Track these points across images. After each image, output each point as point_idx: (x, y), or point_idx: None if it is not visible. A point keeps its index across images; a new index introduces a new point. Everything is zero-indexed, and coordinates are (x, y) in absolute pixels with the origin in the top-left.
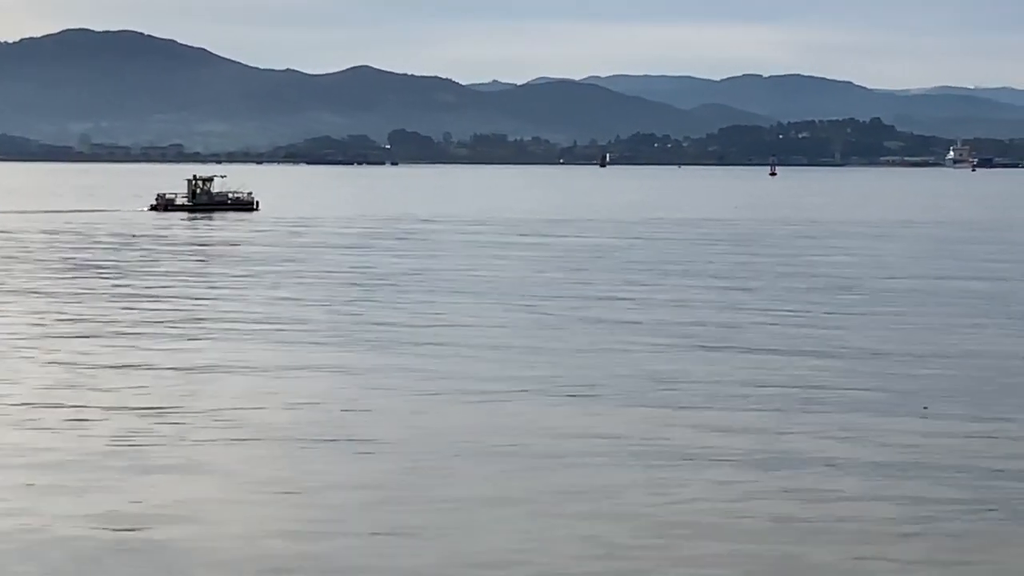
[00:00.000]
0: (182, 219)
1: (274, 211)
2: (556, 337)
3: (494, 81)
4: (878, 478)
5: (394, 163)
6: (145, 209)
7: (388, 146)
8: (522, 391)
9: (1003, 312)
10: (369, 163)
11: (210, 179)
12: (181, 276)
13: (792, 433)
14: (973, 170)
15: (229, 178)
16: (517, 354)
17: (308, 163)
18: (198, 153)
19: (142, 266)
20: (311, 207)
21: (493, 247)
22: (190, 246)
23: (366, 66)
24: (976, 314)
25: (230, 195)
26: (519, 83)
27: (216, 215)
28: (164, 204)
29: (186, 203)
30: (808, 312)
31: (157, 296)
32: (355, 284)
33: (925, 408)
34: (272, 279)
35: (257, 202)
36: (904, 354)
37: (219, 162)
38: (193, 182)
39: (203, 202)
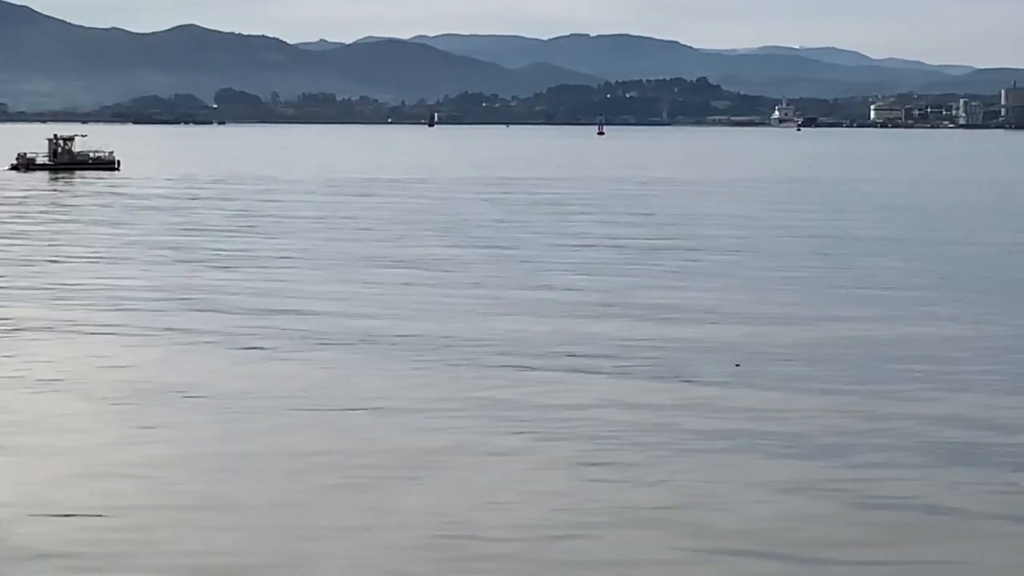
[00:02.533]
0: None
1: (136, 170)
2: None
3: (322, 40)
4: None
5: (221, 122)
6: (5, 169)
7: (215, 105)
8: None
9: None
10: (196, 122)
11: (71, 138)
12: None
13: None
14: (798, 130)
15: (90, 137)
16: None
17: (135, 123)
18: (23, 112)
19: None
20: (170, 166)
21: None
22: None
23: (193, 24)
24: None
25: (91, 154)
26: (347, 42)
27: (79, 174)
28: (25, 164)
29: (47, 162)
30: (624, 270)
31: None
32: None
33: (737, 366)
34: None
35: (118, 161)
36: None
37: (44, 122)
38: (54, 141)
39: (65, 161)
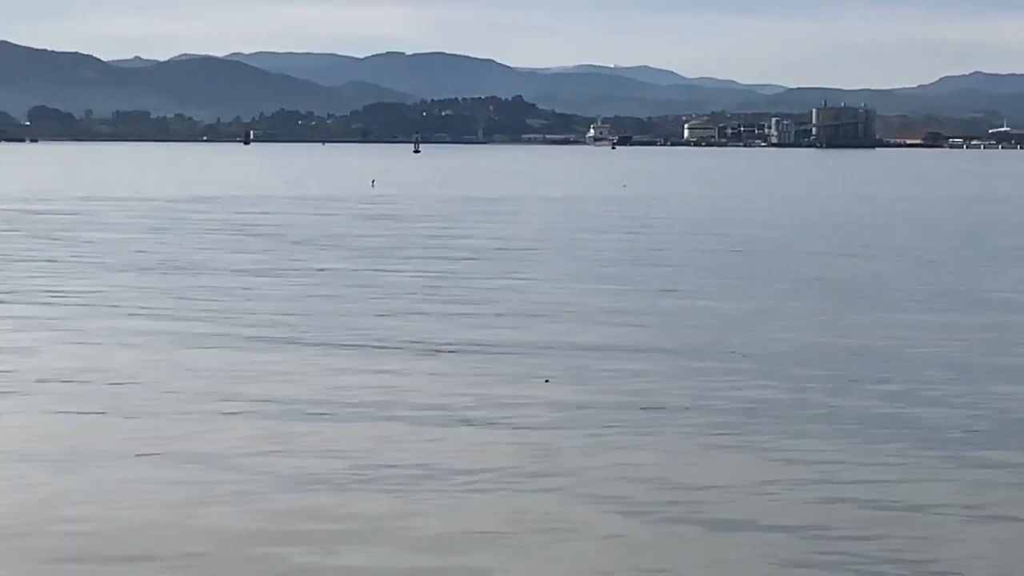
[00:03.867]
0: None
1: None
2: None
3: (136, 58)
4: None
5: (34, 140)
6: None
7: (28, 123)
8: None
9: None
10: (7, 140)
11: None
12: None
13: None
14: (613, 148)
15: None
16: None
17: None
18: None
19: None
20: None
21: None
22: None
23: (5, 41)
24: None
25: None
26: (162, 60)
27: None
28: None
29: None
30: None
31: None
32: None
33: (546, 381)
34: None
35: None
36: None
37: None
38: None
39: None
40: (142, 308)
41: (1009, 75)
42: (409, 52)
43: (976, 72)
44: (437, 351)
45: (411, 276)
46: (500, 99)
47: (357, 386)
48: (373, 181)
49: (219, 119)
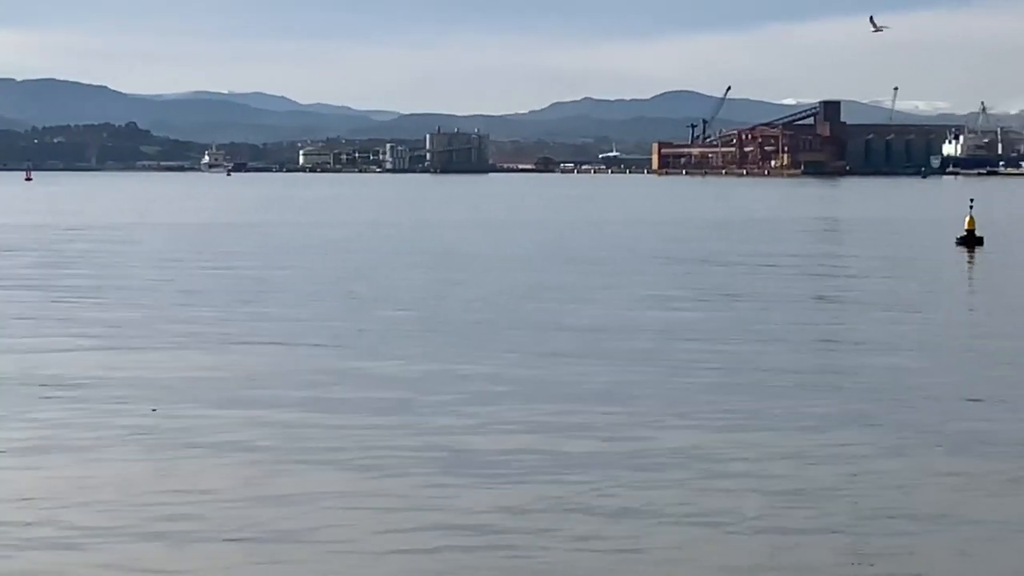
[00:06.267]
0: None
1: None
2: None
3: None
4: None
5: None
6: None
7: None
8: None
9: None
10: None
11: None
12: None
13: None
14: (228, 174)
15: None
16: None
17: None
18: None
19: None
20: None
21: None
22: None
23: None
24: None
25: None
26: None
27: None
28: None
29: None
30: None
31: None
32: None
33: (153, 410)
34: None
35: None
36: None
37: None
38: None
39: None
40: None
41: (617, 101)
42: (20, 78)
43: (586, 98)
44: None
45: None
46: (114, 126)
47: None
48: None
49: None
